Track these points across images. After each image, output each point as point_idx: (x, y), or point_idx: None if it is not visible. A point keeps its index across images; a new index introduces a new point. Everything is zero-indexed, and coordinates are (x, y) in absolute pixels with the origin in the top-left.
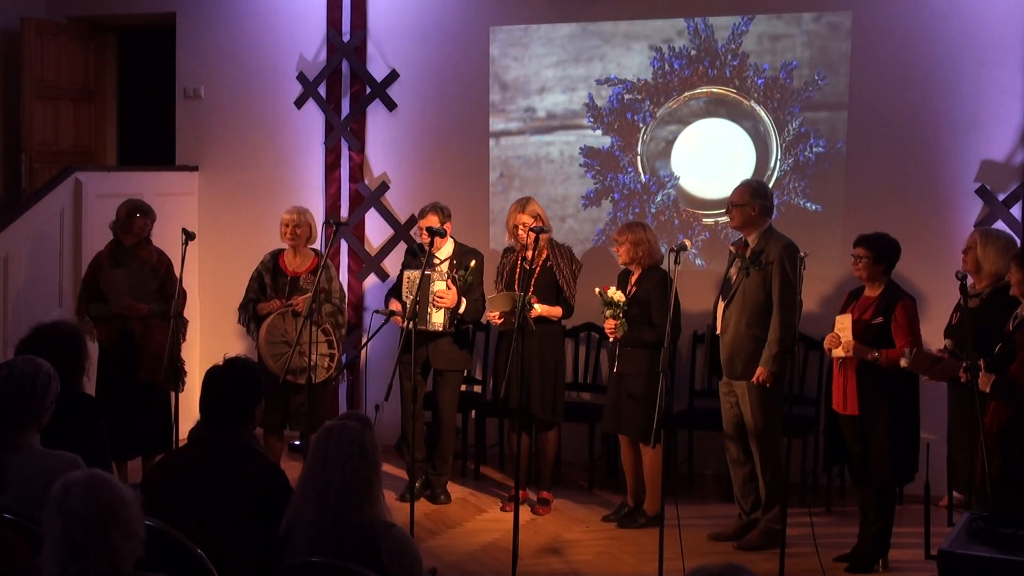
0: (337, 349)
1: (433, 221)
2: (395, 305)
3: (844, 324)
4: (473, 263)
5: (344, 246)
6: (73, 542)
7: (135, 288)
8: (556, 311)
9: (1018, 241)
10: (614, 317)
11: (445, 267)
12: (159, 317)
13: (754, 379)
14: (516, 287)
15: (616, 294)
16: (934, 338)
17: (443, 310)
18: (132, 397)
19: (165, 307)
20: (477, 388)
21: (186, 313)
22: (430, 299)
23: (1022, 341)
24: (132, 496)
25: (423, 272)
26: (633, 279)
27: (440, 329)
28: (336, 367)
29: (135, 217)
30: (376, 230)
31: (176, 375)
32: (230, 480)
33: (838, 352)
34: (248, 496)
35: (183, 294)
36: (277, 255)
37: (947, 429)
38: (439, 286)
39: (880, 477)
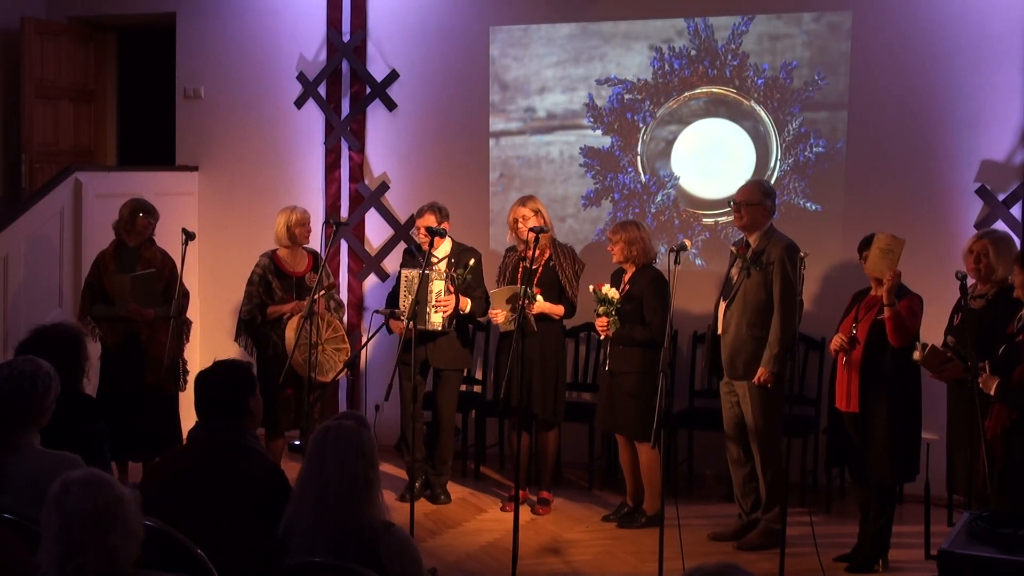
0: (348, 343)
1: (431, 220)
2: (396, 327)
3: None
4: (471, 262)
5: (344, 246)
6: (71, 539)
7: (144, 292)
8: (558, 309)
9: (1016, 241)
10: (606, 315)
11: (443, 266)
12: (165, 319)
13: (756, 379)
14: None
15: (610, 291)
16: (934, 339)
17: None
18: (136, 400)
19: (166, 310)
20: (477, 388)
21: (187, 313)
22: (429, 300)
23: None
24: (130, 496)
25: (422, 272)
26: (626, 277)
27: (439, 329)
28: (348, 361)
29: (138, 216)
30: (376, 230)
31: (177, 375)
32: (230, 480)
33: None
34: (248, 496)
35: (186, 295)
36: (272, 256)
37: (948, 433)
38: (438, 286)
39: (880, 475)
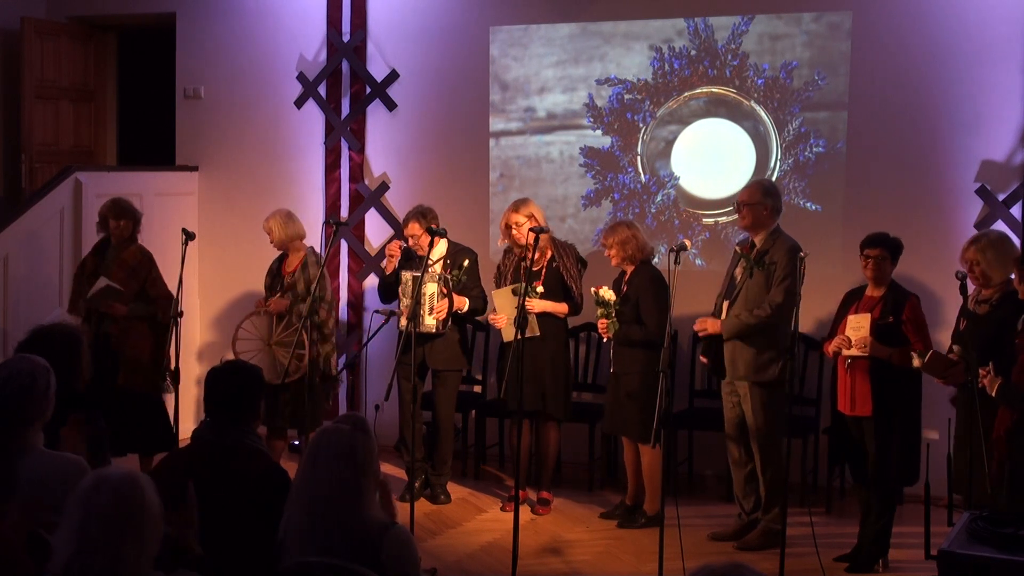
0: (307, 349)
1: (415, 229)
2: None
3: (860, 323)
4: (466, 262)
5: (344, 246)
6: (86, 537)
7: (112, 291)
8: (561, 307)
9: (1014, 239)
10: (606, 316)
11: (439, 267)
12: (139, 319)
13: (696, 326)
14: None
15: (607, 293)
16: (938, 340)
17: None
18: (112, 401)
19: (146, 309)
20: (477, 388)
21: (187, 313)
22: (422, 302)
23: (1022, 345)
24: (158, 510)
25: (421, 273)
26: (626, 278)
27: (433, 331)
28: (309, 368)
29: (108, 221)
30: (376, 230)
31: (162, 377)
32: (233, 479)
33: (851, 351)
34: (251, 496)
35: (168, 297)
36: (283, 257)
37: (955, 436)
38: (430, 288)
39: (891, 479)
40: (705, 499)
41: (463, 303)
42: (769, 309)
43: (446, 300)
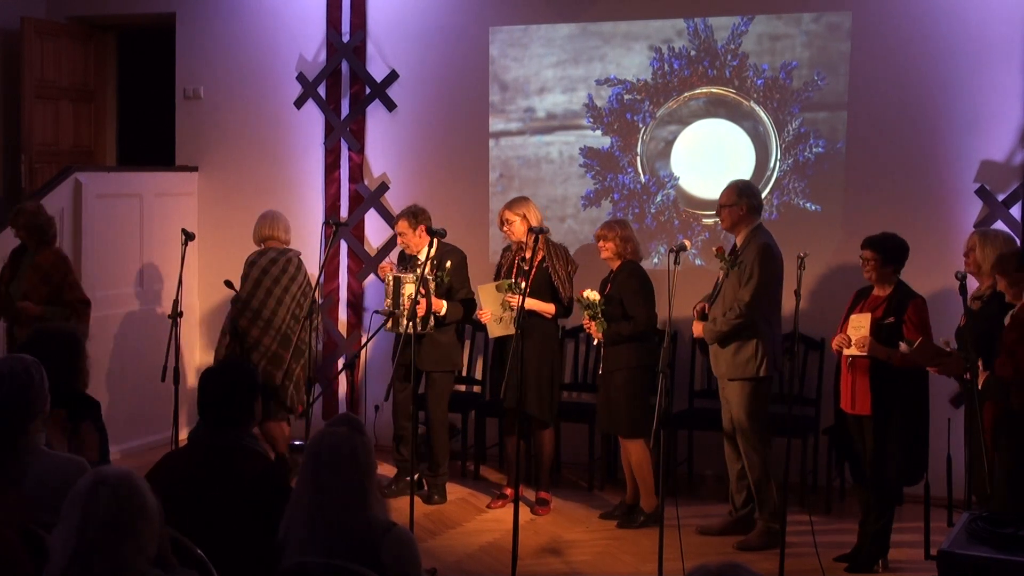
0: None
1: (403, 227)
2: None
3: (861, 322)
4: (449, 264)
5: (344, 246)
6: (84, 538)
7: (21, 294)
8: (548, 308)
9: (1017, 240)
10: (592, 318)
11: (428, 268)
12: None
13: (696, 332)
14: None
15: (592, 295)
16: (937, 340)
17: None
18: None
19: (61, 313)
20: (477, 388)
21: (187, 313)
22: (402, 303)
23: (1006, 340)
24: (156, 509)
25: (420, 276)
26: (610, 278)
27: (411, 332)
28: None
29: (18, 230)
30: (376, 230)
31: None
32: (230, 481)
33: (851, 351)
34: (248, 496)
35: (82, 302)
36: None
37: (964, 432)
38: (409, 289)
39: (890, 478)
40: (705, 499)
41: (440, 306)
42: (738, 310)
43: (423, 301)
